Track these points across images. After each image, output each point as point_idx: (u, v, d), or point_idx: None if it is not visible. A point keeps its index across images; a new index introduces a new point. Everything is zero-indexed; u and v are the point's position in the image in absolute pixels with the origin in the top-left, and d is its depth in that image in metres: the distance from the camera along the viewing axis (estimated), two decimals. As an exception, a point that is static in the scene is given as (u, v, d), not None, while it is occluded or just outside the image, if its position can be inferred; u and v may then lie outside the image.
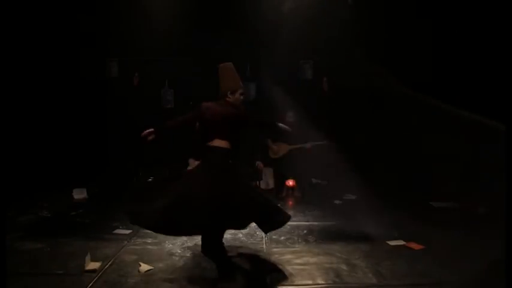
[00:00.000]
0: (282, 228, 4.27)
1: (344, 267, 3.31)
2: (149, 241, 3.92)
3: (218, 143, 3.20)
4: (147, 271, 3.22)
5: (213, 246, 3.11)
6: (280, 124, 3.59)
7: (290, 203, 5.62)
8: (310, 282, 3.06)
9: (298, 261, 3.44)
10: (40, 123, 6.23)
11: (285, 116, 6.03)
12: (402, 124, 6.53)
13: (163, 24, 6.42)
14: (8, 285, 2.80)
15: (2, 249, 2.77)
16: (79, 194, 5.64)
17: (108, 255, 3.53)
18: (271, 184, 6.19)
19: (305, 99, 6.58)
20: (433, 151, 6.34)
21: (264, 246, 3.81)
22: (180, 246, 3.78)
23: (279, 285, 3.04)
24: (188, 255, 3.59)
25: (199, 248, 3.69)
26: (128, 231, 4.18)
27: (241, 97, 3.37)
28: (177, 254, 3.61)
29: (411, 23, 6.36)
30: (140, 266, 3.29)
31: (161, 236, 4.02)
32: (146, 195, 3.40)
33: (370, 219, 4.64)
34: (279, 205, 3.54)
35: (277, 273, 3.21)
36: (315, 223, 4.53)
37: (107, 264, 3.32)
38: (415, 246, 3.73)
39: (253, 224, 4.44)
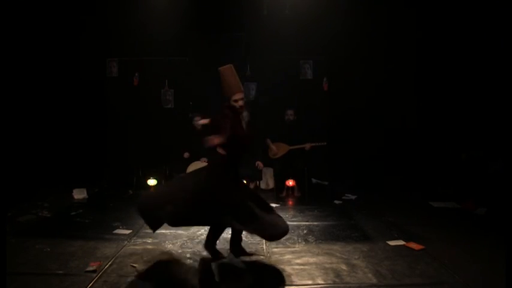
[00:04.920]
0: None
1: (344, 267, 3.31)
2: (149, 241, 3.92)
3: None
4: (145, 271, 3.21)
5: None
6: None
7: (290, 203, 5.62)
8: (310, 282, 3.06)
9: (298, 261, 3.44)
10: (40, 123, 6.23)
11: (284, 114, 6.05)
12: (401, 124, 6.56)
13: (163, 24, 6.43)
14: (8, 285, 2.81)
15: (2, 249, 2.77)
16: (79, 194, 5.63)
17: (108, 255, 3.52)
18: (271, 184, 6.19)
19: (305, 99, 6.59)
20: (432, 150, 6.37)
21: (264, 246, 3.81)
22: (180, 246, 3.79)
23: (279, 285, 3.04)
24: (188, 255, 3.59)
25: (199, 248, 3.72)
26: (127, 231, 4.18)
27: (238, 103, 3.16)
28: (177, 254, 3.61)
29: (411, 22, 6.38)
30: (136, 267, 3.28)
31: (161, 236, 4.03)
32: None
33: (370, 219, 4.65)
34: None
35: (277, 273, 3.21)
36: (315, 223, 4.53)
37: (107, 264, 3.32)
38: (415, 246, 3.73)
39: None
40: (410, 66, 6.47)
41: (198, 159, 5.74)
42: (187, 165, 5.70)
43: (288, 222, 4.44)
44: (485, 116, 5.79)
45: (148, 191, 3.95)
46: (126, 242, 3.87)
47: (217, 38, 6.61)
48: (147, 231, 4.19)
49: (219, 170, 3.24)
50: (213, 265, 3.37)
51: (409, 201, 5.52)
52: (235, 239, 3.58)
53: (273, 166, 5.99)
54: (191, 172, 3.67)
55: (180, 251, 3.69)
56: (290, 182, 5.90)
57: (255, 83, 6.74)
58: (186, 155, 5.78)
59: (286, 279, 3.10)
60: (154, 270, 3.24)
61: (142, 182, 6.20)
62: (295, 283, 3.04)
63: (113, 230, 4.21)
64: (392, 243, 3.85)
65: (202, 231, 4.23)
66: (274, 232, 3.27)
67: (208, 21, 6.52)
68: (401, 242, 3.85)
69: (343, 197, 5.68)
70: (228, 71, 3.22)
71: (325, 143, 5.82)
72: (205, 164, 5.61)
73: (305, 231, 4.22)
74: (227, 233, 3.63)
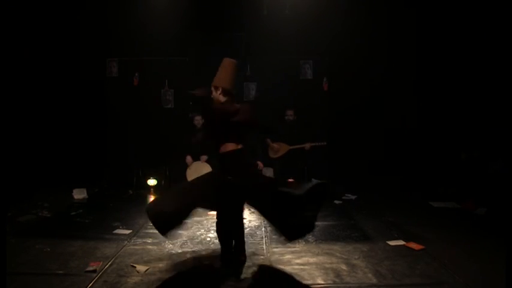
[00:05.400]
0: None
1: (344, 267, 3.31)
2: (149, 241, 3.92)
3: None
4: (145, 271, 3.22)
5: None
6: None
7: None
8: (310, 282, 3.06)
9: (298, 261, 3.44)
10: (40, 123, 6.23)
11: (284, 114, 6.05)
12: (401, 124, 6.55)
13: (163, 24, 6.42)
14: (8, 285, 2.81)
15: (2, 249, 2.77)
16: (79, 194, 5.64)
17: (108, 255, 3.52)
18: (271, 184, 6.18)
19: (305, 99, 6.59)
20: (432, 150, 6.37)
21: (264, 246, 3.81)
22: (180, 246, 3.79)
23: (279, 285, 3.04)
24: (188, 255, 3.59)
25: (199, 248, 3.72)
26: (127, 231, 4.18)
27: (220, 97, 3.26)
28: (177, 254, 3.61)
29: (411, 22, 6.38)
30: (136, 267, 3.28)
31: (161, 236, 4.01)
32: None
33: (370, 219, 4.65)
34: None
35: (277, 273, 3.21)
36: (315, 223, 4.51)
37: (107, 264, 3.32)
38: (415, 246, 3.73)
39: (253, 224, 4.47)
40: (411, 66, 6.47)
41: (198, 158, 5.74)
42: (188, 165, 5.71)
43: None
44: (485, 116, 5.79)
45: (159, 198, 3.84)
46: (126, 242, 3.87)
47: (217, 38, 6.61)
48: (147, 231, 4.19)
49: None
50: (213, 265, 3.37)
51: (409, 201, 5.52)
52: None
53: (273, 166, 5.99)
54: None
55: (180, 251, 3.69)
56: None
57: (255, 83, 6.74)
58: (189, 160, 5.76)
59: (286, 279, 3.10)
60: (154, 270, 3.24)
61: (142, 182, 6.20)
62: (295, 283, 3.04)
63: (113, 230, 4.21)
64: (392, 243, 3.85)
65: (202, 231, 4.24)
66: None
67: (208, 21, 6.52)
68: (401, 242, 3.85)
69: (343, 197, 5.68)
70: (224, 62, 3.33)
71: (325, 143, 5.82)
72: (205, 163, 5.64)
73: (305, 231, 4.22)
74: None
